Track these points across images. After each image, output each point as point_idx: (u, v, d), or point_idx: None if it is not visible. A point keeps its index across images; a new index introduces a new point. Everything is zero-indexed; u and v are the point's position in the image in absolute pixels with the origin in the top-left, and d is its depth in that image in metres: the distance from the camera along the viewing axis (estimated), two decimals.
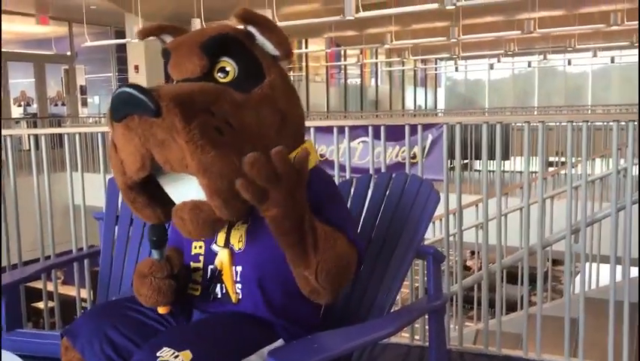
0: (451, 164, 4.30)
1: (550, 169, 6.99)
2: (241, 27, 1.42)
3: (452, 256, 4.00)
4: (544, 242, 2.69)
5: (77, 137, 3.06)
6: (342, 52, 17.27)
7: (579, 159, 2.80)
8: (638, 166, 4.01)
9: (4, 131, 3.19)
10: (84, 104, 13.15)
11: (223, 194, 1.20)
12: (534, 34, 9.63)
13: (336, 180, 2.58)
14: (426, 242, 3.23)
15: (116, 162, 1.30)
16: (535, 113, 10.84)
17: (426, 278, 1.67)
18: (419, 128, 2.55)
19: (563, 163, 7.41)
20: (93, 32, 11.43)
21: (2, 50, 7.51)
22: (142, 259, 2.01)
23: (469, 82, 22.76)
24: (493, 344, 2.54)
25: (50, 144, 3.13)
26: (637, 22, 10.30)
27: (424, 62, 20.11)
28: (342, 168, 2.84)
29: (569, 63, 18.28)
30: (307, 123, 1.76)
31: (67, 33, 12.31)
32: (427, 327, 2.79)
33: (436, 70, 22.48)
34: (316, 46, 15.39)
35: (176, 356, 1.22)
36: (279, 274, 1.39)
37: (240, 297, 1.42)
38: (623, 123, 2.47)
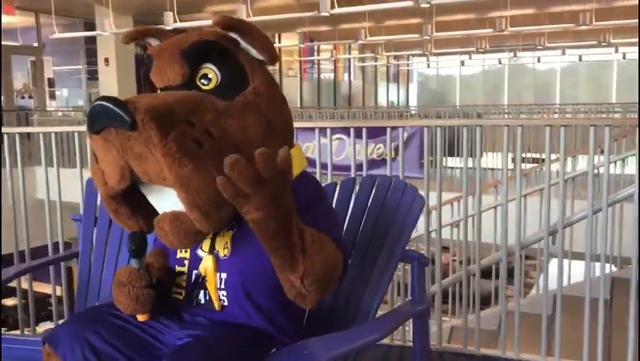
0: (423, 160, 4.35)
1: (524, 166, 7.08)
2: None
3: (426, 253, 4.03)
4: (522, 243, 2.73)
5: (53, 135, 3.01)
6: (316, 47, 17.27)
7: (556, 157, 2.85)
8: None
9: None
10: (52, 96, 12.87)
11: (202, 207, 1.18)
12: (505, 32, 9.76)
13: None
14: None
15: (96, 172, 1.29)
16: (509, 115, 10.97)
17: (407, 280, 1.68)
18: (400, 130, 2.56)
19: (535, 160, 7.53)
20: (61, 23, 11.21)
21: None
22: (121, 266, 2.02)
23: (441, 78, 22.98)
24: (471, 343, 2.57)
25: (19, 138, 3.06)
26: (605, 22, 10.53)
27: (396, 57, 20.21)
28: (314, 164, 2.84)
29: (539, 61, 18.61)
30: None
31: (34, 24, 12.02)
32: (407, 328, 2.83)
33: (408, 66, 22.63)
34: (289, 40, 15.35)
35: None
36: (266, 281, 1.38)
37: (226, 304, 1.41)
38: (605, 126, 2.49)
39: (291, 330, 1.45)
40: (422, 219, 2.52)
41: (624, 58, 17.18)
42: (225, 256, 1.41)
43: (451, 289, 4.62)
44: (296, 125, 1.45)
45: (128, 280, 1.37)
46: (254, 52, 1.40)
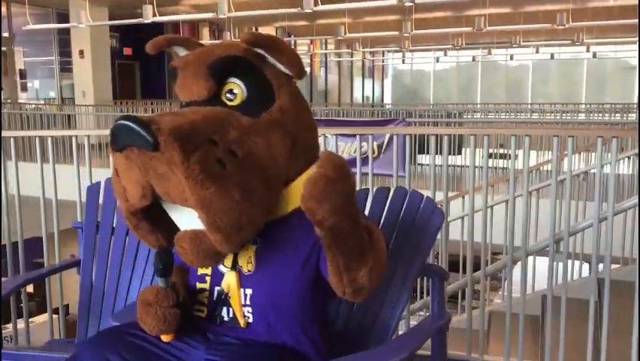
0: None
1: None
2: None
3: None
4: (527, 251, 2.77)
5: (12, 140, 2.90)
6: (293, 42, 17.17)
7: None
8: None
9: None
10: (23, 88, 12.58)
11: (223, 230, 1.18)
12: (483, 30, 9.86)
13: None
14: None
15: (118, 188, 1.28)
16: (480, 114, 11.10)
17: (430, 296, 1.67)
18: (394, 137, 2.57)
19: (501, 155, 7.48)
20: (33, 13, 10.91)
21: None
22: (123, 277, 1.98)
23: (415, 73, 23.11)
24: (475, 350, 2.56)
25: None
26: (580, 22, 10.73)
27: (372, 53, 20.26)
28: None
29: (511, 58, 18.89)
30: None
31: (4, 13, 11.69)
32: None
33: (383, 61, 22.70)
34: None
35: None
36: (292, 298, 1.36)
37: (251, 321, 1.38)
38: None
39: (322, 347, 1.42)
40: None
41: (594, 57, 17.55)
42: (249, 271, 1.37)
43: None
44: None
45: (155, 300, 1.35)
46: (281, 67, 1.38)
